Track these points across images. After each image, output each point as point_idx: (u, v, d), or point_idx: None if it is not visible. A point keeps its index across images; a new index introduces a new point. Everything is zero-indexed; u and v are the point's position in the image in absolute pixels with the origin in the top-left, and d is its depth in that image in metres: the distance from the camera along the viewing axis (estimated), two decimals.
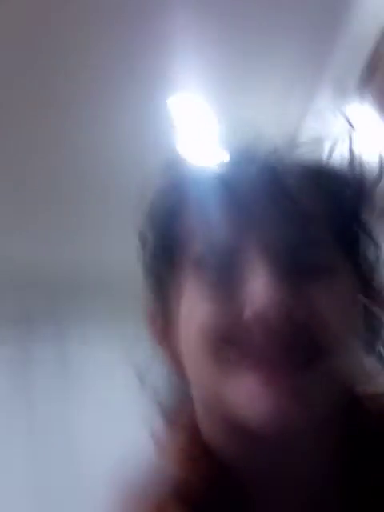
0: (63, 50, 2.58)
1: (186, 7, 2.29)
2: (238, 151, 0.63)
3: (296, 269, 0.56)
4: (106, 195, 3.59)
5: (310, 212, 0.57)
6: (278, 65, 2.72)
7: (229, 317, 0.54)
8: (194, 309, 0.57)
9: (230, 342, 0.54)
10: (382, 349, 0.63)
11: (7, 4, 2.29)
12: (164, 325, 0.64)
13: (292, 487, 0.58)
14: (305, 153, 0.63)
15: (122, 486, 0.59)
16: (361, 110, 1.89)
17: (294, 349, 0.53)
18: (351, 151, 0.62)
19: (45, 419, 4.78)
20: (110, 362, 4.58)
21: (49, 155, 3.25)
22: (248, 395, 0.53)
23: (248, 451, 0.58)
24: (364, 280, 0.61)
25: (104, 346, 4.72)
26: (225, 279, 0.56)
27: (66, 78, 2.75)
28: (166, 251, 0.61)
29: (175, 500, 0.56)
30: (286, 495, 0.58)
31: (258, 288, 0.53)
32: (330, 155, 0.63)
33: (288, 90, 2.84)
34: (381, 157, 0.64)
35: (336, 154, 0.64)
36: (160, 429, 0.66)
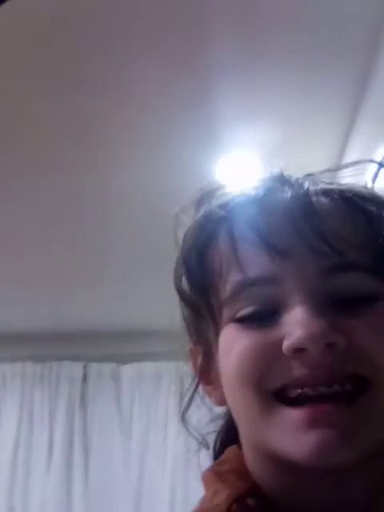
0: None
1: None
2: (270, 177, 0.61)
3: (335, 298, 0.53)
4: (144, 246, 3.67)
5: (346, 236, 0.54)
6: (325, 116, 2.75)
7: (268, 350, 0.53)
8: (232, 344, 0.55)
9: (270, 376, 0.53)
10: None
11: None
12: (205, 363, 0.63)
13: None
14: (343, 178, 0.61)
15: None
16: None
17: (336, 382, 0.51)
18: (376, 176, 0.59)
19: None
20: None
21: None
22: (292, 431, 0.51)
23: (295, 488, 0.57)
24: None
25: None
26: (262, 312, 0.55)
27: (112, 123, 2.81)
28: (200, 287, 0.59)
29: None
30: None
31: (296, 319, 0.51)
32: (372, 182, 0.62)
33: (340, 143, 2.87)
34: None
35: (378, 181, 0.63)
36: (209, 470, 0.64)
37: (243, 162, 3.04)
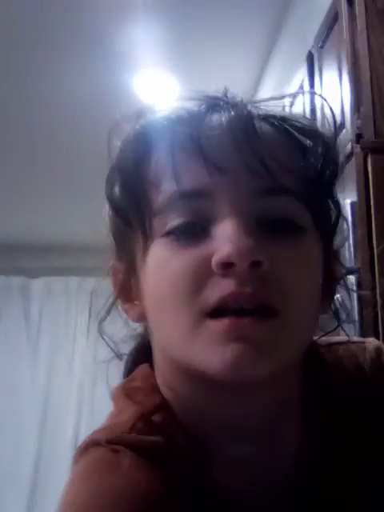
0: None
1: None
2: (212, 96, 0.61)
3: (263, 220, 0.55)
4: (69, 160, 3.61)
5: (283, 162, 0.56)
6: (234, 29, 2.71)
7: (199, 269, 0.54)
8: (164, 262, 0.56)
9: (201, 295, 0.54)
10: (337, 306, 0.65)
11: None
12: (126, 279, 0.63)
13: (250, 438, 0.60)
14: (268, 106, 0.61)
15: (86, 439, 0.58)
16: (318, 65, 1.91)
17: (257, 299, 0.53)
18: (312, 106, 0.60)
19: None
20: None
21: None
22: (212, 343, 0.53)
23: (205, 404, 0.59)
24: (326, 240, 0.60)
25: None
26: (193, 225, 0.55)
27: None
28: (133, 196, 0.59)
29: (132, 451, 0.55)
30: (243, 447, 0.59)
31: (226, 234, 0.53)
32: (290, 110, 0.62)
33: (247, 53, 2.85)
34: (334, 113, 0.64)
35: (295, 108, 0.64)
36: (118, 387, 0.66)
37: (161, 81, 3.01)
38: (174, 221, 0.56)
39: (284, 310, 0.54)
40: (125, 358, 0.70)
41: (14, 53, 2.87)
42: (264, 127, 0.57)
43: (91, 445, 0.57)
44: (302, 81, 1.99)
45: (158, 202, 0.57)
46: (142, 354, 0.67)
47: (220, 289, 0.53)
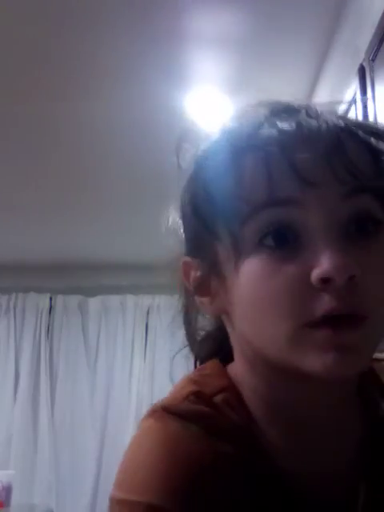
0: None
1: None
2: (288, 111, 0.63)
3: (349, 224, 0.59)
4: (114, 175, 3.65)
5: (366, 170, 0.60)
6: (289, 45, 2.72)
7: (299, 285, 0.58)
8: (262, 276, 0.59)
9: (302, 309, 0.58)
10: None
11: None
12: (206, 277, 0.66)
13: (318, 427, 0.65)
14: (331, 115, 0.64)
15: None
16: (370, 78, 1.90)
17: (352, 309, 0.57)
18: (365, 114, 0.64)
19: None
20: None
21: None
22: (314, 351, 0.57)
23: (288, 392, 0.64)
24: None
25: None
26: (285, 237, 0.59)
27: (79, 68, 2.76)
28: (217, 211, 0.62)
29: (210, 437, 0.60)
30: (309, 435, 0.65)
31: (323, 252, 0.57)
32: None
33: (298, 67, 2.85)
34: None
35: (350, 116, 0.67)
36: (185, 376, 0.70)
37: (211, 96, 3.03)
38: (266, 230, 0.59)
39: (372, 315, 0.58)
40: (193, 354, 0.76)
41: (68, 77, 2.94)
42: (345, 136, 0.61)
43: (149, 413, 0.64)
44: (354, 94, 1.99)
45: (247, 212, 0.59)
46: (213, 348, 0.73)
47: (322, 304, 0.57)
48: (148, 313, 5.36)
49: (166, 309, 5.24)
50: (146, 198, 4.21)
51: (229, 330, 0.68)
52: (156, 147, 3.61)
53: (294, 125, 0.61)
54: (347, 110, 1.86)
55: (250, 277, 0.60)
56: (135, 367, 5.26)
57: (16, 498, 3.80)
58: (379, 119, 1.70)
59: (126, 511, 0.56)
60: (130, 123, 3.29)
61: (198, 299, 0.68)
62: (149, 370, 5.20)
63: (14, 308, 5.44)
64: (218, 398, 0.64)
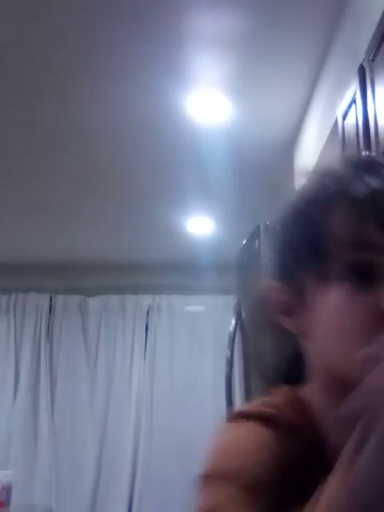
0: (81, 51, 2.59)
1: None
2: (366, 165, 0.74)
3: None
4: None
5: None
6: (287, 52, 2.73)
7: (373, 313, 0.67)
8: (344, 306, 0.69)
9: (374, 331, 0.65)
10: None
11: None
12: (293, 301, 0.74)
13: None
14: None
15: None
16: (370, 79, 1.90)
17: None
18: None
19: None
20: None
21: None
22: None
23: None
24: None
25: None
26: (365, 275, 0.69)
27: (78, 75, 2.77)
28: (312, 246, 0.71)
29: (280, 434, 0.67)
30: None
31: None
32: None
33: (298, 68, 2.85)
34: None
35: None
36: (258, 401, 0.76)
37: (211, 96, 3.04)
38: (351, 267, 0.69)
39: None
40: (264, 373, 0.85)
41: (75, 80, 2.95)
42: None
43: (226, 419, 0.73)
44: (354, 95, 1.99)
45: (337, 252, 0.70)
46: (280, 372, 0.80)
47: None
48: (148, 313, 5.38)
49: (166, 309, 5.31)
50: (146, 199, 4.24)
51: (306, 348, 0.76)
52: (156, 147, 3.66)
53: (380, 182, 0.71)
54: (347, 110, 1.87)
55: (333, 304, 0.70)
56: (135, 367, 5.27)
57: (16, 498, 3.79)
58: (379, 119, 1.71)
59: (221, 483, 0.64)
60: (130, 123, 3.29)
61: (282, 319, 0.76)
62: (149, 370, 5.21)
63: (14, 308, 5.46)
64: (286, 406, 0.71)
